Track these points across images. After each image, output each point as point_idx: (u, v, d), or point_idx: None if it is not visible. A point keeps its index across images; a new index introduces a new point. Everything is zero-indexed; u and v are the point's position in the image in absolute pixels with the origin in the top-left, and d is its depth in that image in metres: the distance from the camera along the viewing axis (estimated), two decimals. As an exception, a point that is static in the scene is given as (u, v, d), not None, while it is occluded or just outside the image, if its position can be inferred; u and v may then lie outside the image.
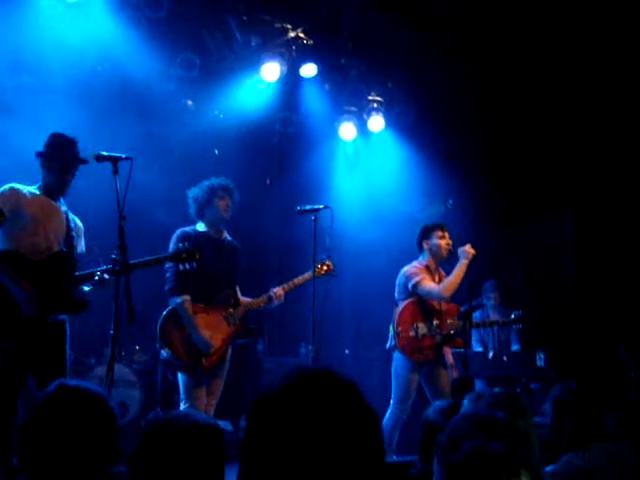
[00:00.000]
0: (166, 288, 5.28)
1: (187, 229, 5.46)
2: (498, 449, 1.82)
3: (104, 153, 4.20)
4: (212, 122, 8.07)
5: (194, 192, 5.59)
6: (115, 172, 4.16)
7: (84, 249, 4.92)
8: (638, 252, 8.16)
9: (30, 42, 6.46)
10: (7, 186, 4.60)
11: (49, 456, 2.22)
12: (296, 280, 5.71)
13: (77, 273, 4.64)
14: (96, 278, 4.50)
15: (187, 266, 4.73)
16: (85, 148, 5.34)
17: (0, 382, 4.26)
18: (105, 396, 2.42)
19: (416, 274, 6.20)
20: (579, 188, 8.68)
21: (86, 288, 4.69)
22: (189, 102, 8.00)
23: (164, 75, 7.46)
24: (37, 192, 4.67)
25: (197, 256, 4.72)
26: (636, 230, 8.16)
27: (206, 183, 5.58)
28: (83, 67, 6.89)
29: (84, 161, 4.63)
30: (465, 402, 3.37)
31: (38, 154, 4.61)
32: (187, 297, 5.25)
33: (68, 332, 4.72)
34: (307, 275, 5.69)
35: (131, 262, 4.15)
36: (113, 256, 4.13)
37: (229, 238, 5.70)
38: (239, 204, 8.08)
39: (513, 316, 6.49)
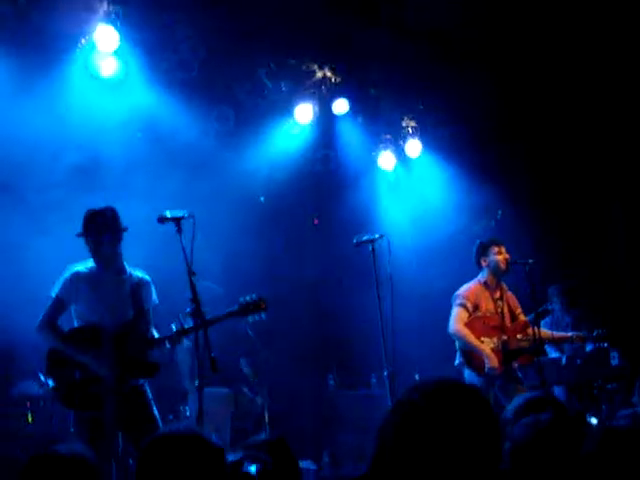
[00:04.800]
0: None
1: None
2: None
3: (167, 215, 4.37)
4: (253, 171, 8.23)
5: None
6: (179, 231, 4.31)
7: (156, 300, 5.05)
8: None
9: (73, 121, 6.71)
10: (68, 273, 4.89)
11: None
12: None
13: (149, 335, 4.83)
14: (168, 346, 4.67)
15: (257, 317, 4.81)
16: (138, 213, 5.53)
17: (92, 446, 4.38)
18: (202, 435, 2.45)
19: (459, 297, 6.30)
20: (626, 187, 8.64)
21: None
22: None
23: (202, 132, 7.67)
24: (95, 269, 4.91)
25: (265, 305, 4.80)
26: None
27: None
28: (126, 137, 7.11)
29: (123, 229, 4.85)
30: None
31: (77, 235, 4.85)
32: None
33: (150, 394, 4.89)
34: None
35: (208, 318, 4.29)
36: (188, 310, 4.27)
37: None
38: (290, 249, 8.30)
39: (595, 334, 6.48)
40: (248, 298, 4.79)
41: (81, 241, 4.88)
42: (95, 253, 4.87)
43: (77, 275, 4.88)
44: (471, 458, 1.66)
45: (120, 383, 4.67)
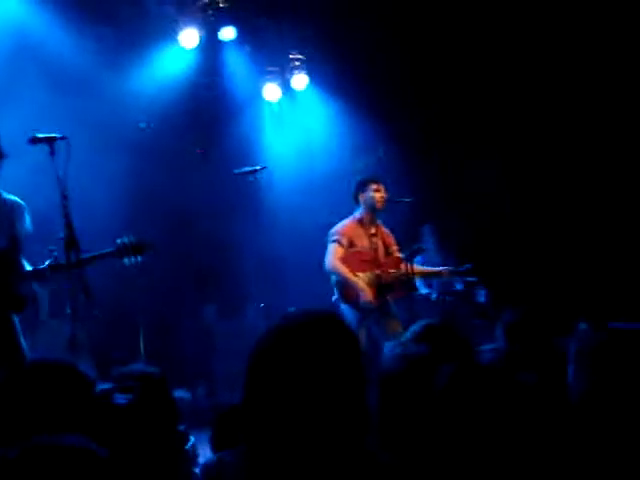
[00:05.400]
0: None
1: None
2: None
3: (40, 135, 4.17)
4: (135, 94, 7.95)
5: None
6: (52, 153, 4.13)
7: (29, 227, 4.74)
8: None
9: None
10: None
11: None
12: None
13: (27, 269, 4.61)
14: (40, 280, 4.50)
15: (133, 260, 4.62)
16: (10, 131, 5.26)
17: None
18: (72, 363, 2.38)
19: (334, 234, 6.39)
20: (506, 129, 8.88)
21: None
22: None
23: (82, 51, 7.32)
24: None
25: (143, 250, 4.63)
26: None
27: None
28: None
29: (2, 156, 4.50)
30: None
31: None
32: None
33: (17, 323, 4.68)
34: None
35: (82, 258, 4.12)
36: (61, 235, 4.11)
37: None
38: (171, 176, 8.13)
39: (463, 268, 6.70)
40: (126, 240, 4.57)
41: None
42: None
43: None
44: (335, 386, 1.70)
45: None
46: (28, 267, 4.62)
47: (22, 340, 4.60)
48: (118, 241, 4.60)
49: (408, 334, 3.05)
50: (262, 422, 1.70)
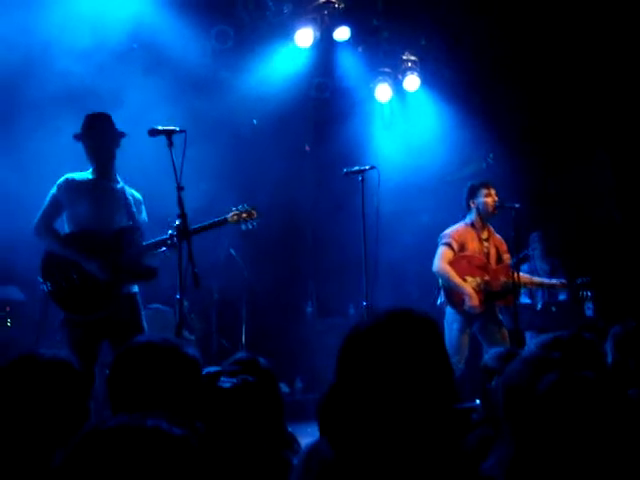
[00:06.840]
0: None
1: None
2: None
3: (159, 127, 4.33)
4: (249, 92, 8.13)
5: None
6: (170, 145, 4.28)
7: (146, 218, 5.05)
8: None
9: (66, 25, 6.55)
10: (62, 178, 4.82)
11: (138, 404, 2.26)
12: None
13: (144, 243, 4.83)
14: (163, 249, 4.68)
15: (249, 226, 4.91)
16: (133, 124, 5.48)
17: (79, 353, 4.38)
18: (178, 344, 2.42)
19: (445, 237, 6.32)
20: (616, 135, 8.58)
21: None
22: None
23: (200, 48, 7.55)
24: (90, 176, 4.85)
25: (256, 214, 4.91)
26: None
27: None
28: (120, 45, 6.97)
29: (121, 134, 4.81)
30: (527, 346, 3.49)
31: (75, 137, 4.79)
32: None
33: (141, 304, 4.92)
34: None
35: (192, 227, 4.30)
36: (175, 224, 4.27)
37: None
38: (279, 173, 8.25)
39: (579, 281, 6.53)
40: (240, 207, 4.89)
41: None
42: (93, 158, 4.81)
43: (72, 180, 4.81)
44: (417, 377, 1.68)
45: (116, 286, 4.68)
46: None
47: (144, 322, 4.80)
48: (233, 208, 4.92)
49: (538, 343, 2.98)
50: (347, 414, 1.70)
